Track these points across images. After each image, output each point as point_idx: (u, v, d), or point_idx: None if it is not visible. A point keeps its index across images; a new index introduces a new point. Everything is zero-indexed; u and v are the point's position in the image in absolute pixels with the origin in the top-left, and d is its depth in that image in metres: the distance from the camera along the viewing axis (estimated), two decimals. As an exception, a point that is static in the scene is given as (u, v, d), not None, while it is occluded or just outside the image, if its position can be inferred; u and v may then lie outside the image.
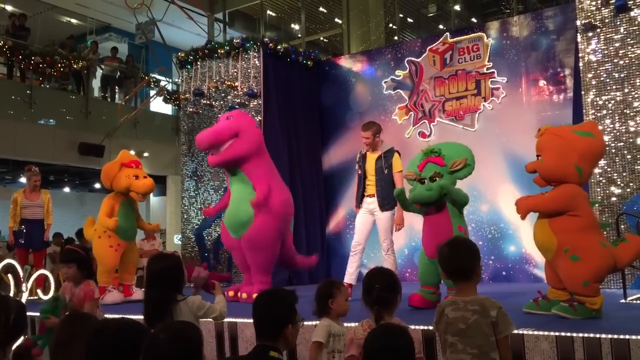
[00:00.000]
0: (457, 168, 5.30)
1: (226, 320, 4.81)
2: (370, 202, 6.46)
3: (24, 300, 6.59)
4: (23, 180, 14.48)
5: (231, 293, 6.32)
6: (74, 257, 4.14)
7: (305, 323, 3.93)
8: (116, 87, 14.69)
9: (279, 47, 9.31)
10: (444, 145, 5.54)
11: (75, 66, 12.69)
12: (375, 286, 2.94)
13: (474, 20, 13.78)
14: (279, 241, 6.48)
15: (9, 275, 6.90)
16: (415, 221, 8.69)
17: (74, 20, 16.91)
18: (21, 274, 6.93)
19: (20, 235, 7.45)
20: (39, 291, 7.09)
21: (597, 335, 3.50)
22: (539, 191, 7.59)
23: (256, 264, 6.40)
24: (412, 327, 3.74)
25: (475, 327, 2.70)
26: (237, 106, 9.08)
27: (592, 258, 4.34)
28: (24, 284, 6.90)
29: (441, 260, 2.90)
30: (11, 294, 6.71)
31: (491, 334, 2.70)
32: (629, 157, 6.56)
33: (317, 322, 3.33)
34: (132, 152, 13.20)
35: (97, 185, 17.98)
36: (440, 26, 14.14)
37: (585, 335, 3.54)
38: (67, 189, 18.39)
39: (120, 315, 2.75)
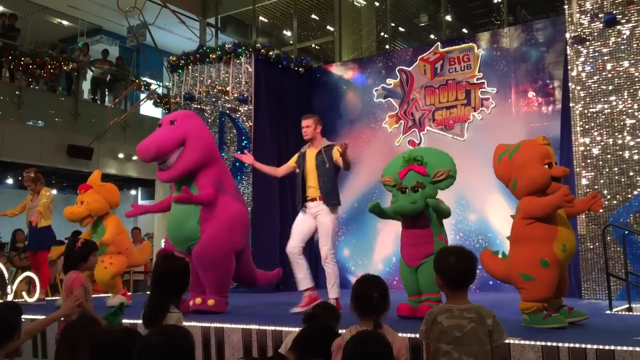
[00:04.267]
0: (440, 178, 5.07)
1: (213, 325, 4.81)
2: (313, 207, 5.85)
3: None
4: (10, 181, 14.43)
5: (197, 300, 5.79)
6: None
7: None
8: (106, 90, 14.63)
9: (270, 53, 9.33)
10: (426, 152, 5.30)
11: (65, 68, 12.63)
12: (374, 295, 2.94)
13: (464, 30, 13.87)
14: (231, 257, 5.79)
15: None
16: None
17: (65, 22, 16.82)
18: (6, 276, 6.89)
19: (27, 239, 7.61)
20: (24, 293, 7.03)
21: (583, 346, 3.52)
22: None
23: (209, 284, 5.72)
24: (400, 334, 3.74)
25: (471, 335, 2.70)
26: (227, 111, 9.08)
27: None
28: (9, 286, 6.85)
29: (444, 269, 2.86)
30: (-5, 296, 6.67)
31: (487, 342, 2.71)
32: (615, 169, 6.63)
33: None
34: (121, 156, 13.30)
35: (85, 188, 17.86)
36: (432, 36, 14.20)
37: (571, 345, 3.55)
38: (54, 191, 18.25)
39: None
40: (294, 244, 5.84)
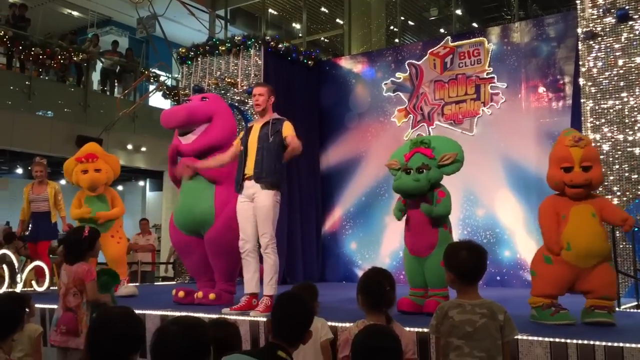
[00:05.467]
0: (446, 162, 4.96)
1: (218, 317, 4.82)
2: (250, 187, 5.10)
3: (17, 291, 6.58)
4: (19, 171, 14.50)
5: (181, 294, 5.76)
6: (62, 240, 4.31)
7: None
8: (115, 81, 14.67)
9: (280, 45, 9.31)
10: (434, 138, 5.30)
11: (75, 58, 12.67)
12: (387, 288, 2.92)
13: (475, 25, 13.80)
14: None
15: (4, 267, 6.89)
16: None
17: (75, 13, 16.87)
18: (16, 265, 6.93)
19: (27, 229, 7.57)
20: (33, 282, 7.08)
21: (591, 342, 3.51)
22: (534, 199, 7.67)
23: (218, 270, 5.73)
24: (407, 329, 3.75)
25: (483, 331, 2.70)
26: (236, 104, 9.08)
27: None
28: (18, 275, 6.90)
29: (456, 264, 2.84)
30: (5, 285, 6.71)
31: (499, 338, 2.71)
32: (625, 166, 6.59)
33: None
34: (130, 147, 13.34)
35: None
36: (442, 30, 14.16)
37: (579, 341, 3.55)
38: (63, 182, 18.34)
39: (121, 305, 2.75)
40: (245, 238, 5.15)
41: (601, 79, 6.77)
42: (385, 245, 9.12)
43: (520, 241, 8.05)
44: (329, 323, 4.20)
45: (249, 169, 5.10)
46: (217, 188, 5.73)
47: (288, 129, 5.14)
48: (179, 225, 5.91)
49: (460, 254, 2.87)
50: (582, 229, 4.35)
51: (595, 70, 6.81)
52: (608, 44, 6.77)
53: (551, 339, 3.62)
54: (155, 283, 10.49)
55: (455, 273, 2.85)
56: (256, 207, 5.05)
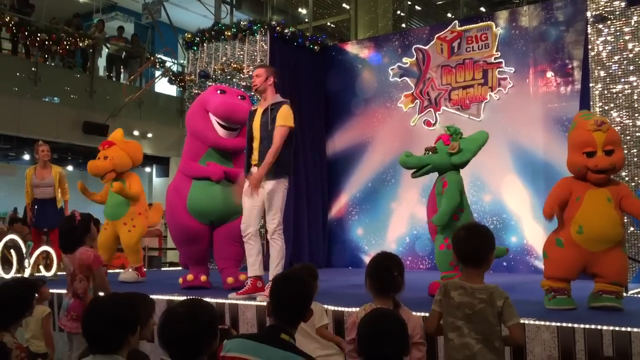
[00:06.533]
0: (452, 151, 5.02)
1: (228, 301, 4.85)
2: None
3: (26, 276, 6.62)
4: (27, 157, 14.54)
5: (190, 277, 5.87)
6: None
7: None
8: (121, 67, 14.64)
9: (286, 31, 9.26)
10: (470, 136, 5.26)
11: (80, 44, 12.64)
12: (395, 273, 2.92)
13: (482, 9, 13.68)
14: None
15: (12, 252, 6.92)
16: (416, 209, 8.70)
17: (80, -2, 16.81)
18: (24, 250, 6.96)
19: (32, 214, 7.52)
20: (41, 267, 7.11)
21: (599, 327, 3.50)
22: (542, 185, 7.64)
23: (234, 257, 5.83)
24: (414, 313, 3.75)
25: (480, 315, 2.72)
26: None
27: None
28: (26, 260, 6.93)
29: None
30: (13, 270, 6.75)
31: (496, 324, 2.73)
32: (634, 150, 6.54)
33: None
34: (136, 133, 13.35)
35: (100, 165, 17.93)
36: (449, 14, 14.06)
37: (587, 326, 3.54)
38: (70, 168, 18.38)
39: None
40: (247, 223, 5.12)
41: (610, 63, 6.71)
42: (391, 231, 9.13)
43: (527, 227, 8.02)
44: (336, 308, 4.23)
45: (256, 157, 5.09)
46: None
47: (280, 118, 4.99)
48: (197, 214, 5.83)
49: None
50: (596, 213, 4.31)
51: (604, 54, 6.75)
52: (618, 28, 6.70)
53: (558, 324, 3.62)
54: (163, 268, 10.53)
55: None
56: (264, 193, 5.02)
